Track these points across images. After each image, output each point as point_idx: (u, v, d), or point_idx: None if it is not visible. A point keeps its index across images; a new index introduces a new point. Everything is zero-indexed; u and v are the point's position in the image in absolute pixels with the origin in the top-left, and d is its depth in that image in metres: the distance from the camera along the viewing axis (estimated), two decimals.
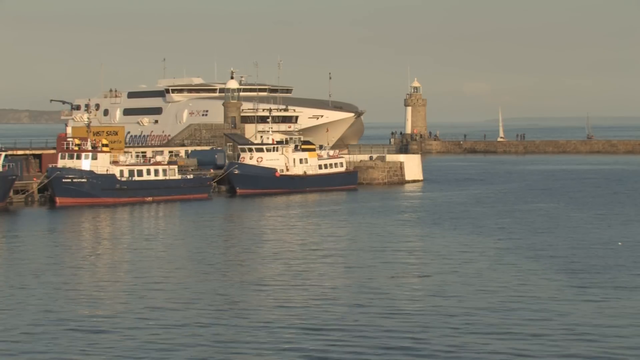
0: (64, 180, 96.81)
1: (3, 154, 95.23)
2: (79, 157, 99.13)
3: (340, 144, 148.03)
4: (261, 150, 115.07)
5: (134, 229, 78.45)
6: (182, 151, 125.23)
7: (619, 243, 65.52)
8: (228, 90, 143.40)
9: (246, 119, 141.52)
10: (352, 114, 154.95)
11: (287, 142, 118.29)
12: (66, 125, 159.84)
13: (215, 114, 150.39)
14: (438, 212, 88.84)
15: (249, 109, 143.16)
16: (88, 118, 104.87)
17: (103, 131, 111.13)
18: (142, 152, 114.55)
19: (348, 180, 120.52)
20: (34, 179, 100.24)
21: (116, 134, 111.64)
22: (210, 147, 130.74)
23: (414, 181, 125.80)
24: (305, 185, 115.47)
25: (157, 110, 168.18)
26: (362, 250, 63.68)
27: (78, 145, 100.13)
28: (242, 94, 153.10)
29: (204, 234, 73.27)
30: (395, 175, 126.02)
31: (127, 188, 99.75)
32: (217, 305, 45.06)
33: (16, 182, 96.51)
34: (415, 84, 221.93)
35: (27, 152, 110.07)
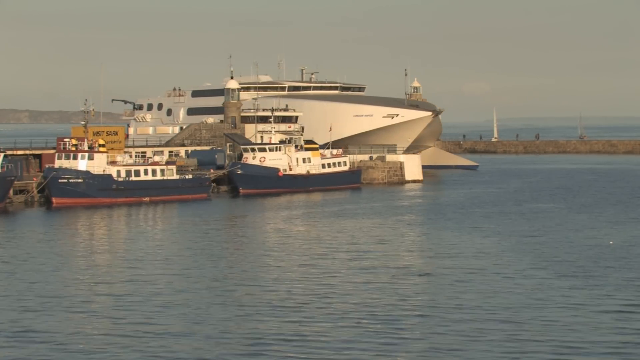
0: (60, 180, 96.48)
1: (2, 154, 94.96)
2: (75, 158, 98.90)
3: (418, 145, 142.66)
4: (264, 150, 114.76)
5: (130, 230, 78.02)
6: (182, 151, 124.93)
7: (610, 242, 65.46)
8: (228, 90, 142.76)
9: (246, 119, 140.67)
10: (430, 113, 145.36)
11: (289, 141, 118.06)
12: (128, 125, 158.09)
13: None
14: (440, 211, 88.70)
15: (248, 109, 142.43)
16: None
17: (103, 131, 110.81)
18: (142, 152, 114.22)
19: (351, 180, 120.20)
20: (34, 179, 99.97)
21: (116, 134, 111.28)
22: (210, 147, 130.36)
23: (414, 181, 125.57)
24: (309, 184, 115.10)
25: (223, 110, 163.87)
26: (362, 250, 63.39)
27: (75, 145, 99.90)
28: (311, 92, 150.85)
29: (204, 235, 72.92)
30: (395, 175, 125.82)
31: (124, 188, 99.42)
32: (216, 306, 44.87)
33: (16, 182, 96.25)
34: (415, 84, 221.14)
35: (27, 152, 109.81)
